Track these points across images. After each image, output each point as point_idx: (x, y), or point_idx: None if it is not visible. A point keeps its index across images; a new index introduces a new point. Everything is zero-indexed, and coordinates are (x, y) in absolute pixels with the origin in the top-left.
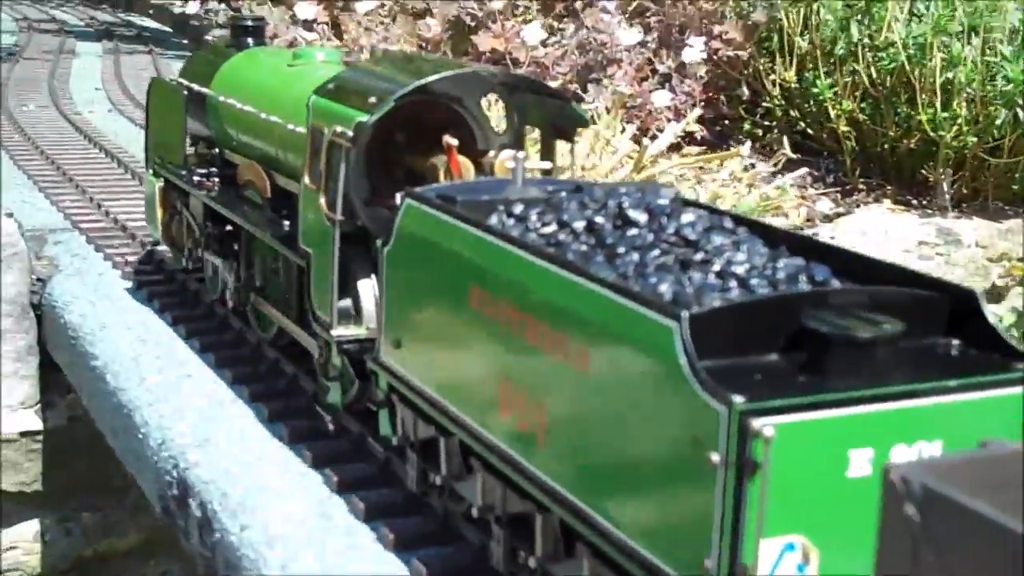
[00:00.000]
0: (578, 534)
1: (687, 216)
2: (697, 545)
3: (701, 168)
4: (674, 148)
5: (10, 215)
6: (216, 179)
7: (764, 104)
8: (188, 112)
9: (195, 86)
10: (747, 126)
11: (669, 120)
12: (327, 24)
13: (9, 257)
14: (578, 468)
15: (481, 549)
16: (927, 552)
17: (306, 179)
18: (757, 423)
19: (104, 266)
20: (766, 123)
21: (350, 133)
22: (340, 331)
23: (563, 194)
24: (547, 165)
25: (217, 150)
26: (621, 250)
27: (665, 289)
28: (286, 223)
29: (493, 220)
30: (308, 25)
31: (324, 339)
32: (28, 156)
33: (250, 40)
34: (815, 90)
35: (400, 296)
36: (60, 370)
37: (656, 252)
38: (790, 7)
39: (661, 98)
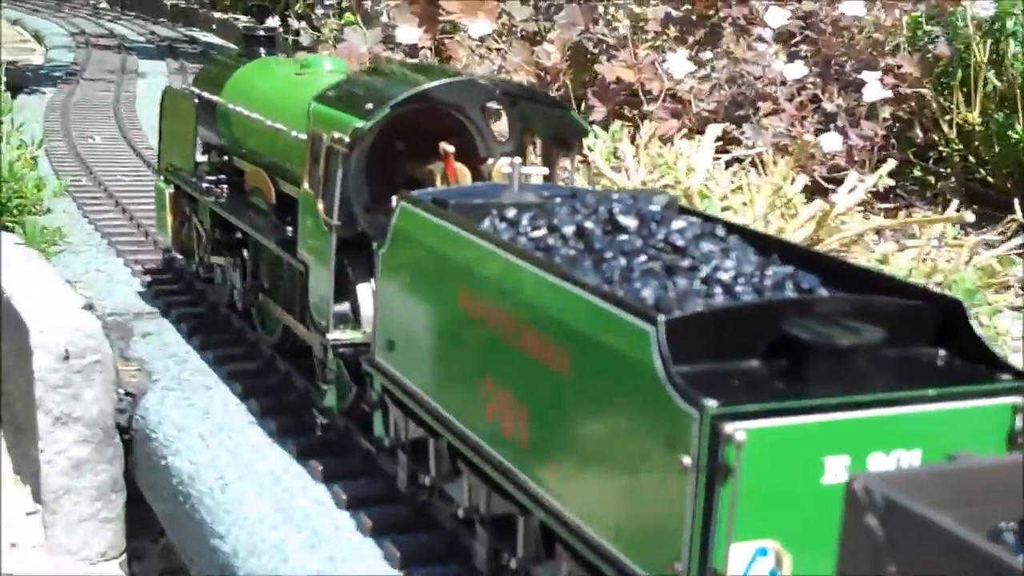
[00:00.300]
0: (557, 536)
1: (677, 223)
2: (668, 548)
3: (881, 230)
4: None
5: (89, 307)
6: (225, 186)
7: (940, 148)
8: (199, 120)
9: (206, 94)
10: (917, 172)
11: (843, 168)
12: (430, 49)
13: (89, 367)
14: (557, 470)
15: (454, 534)
16: (889, 564)
17: (305, 185)
18: (729, 427)
19: (211, 375)
20: (941, 170)
21: (347, 139)
22: (336, 335)
23: (557, 199)
24: (543, 170)
25: (227, 157)
26: (609, 255)
27: (648, 294)
28: (289, 229)
29: (485, 224)
30: (410, 50)
31: (321, 343)
32: (99, 206)
33: (262, 50)
34: (1013, 135)
35: (393, 297)
36: (149, 506)
37: (643, 258)
38: (980, 40)
39: (832, 142)
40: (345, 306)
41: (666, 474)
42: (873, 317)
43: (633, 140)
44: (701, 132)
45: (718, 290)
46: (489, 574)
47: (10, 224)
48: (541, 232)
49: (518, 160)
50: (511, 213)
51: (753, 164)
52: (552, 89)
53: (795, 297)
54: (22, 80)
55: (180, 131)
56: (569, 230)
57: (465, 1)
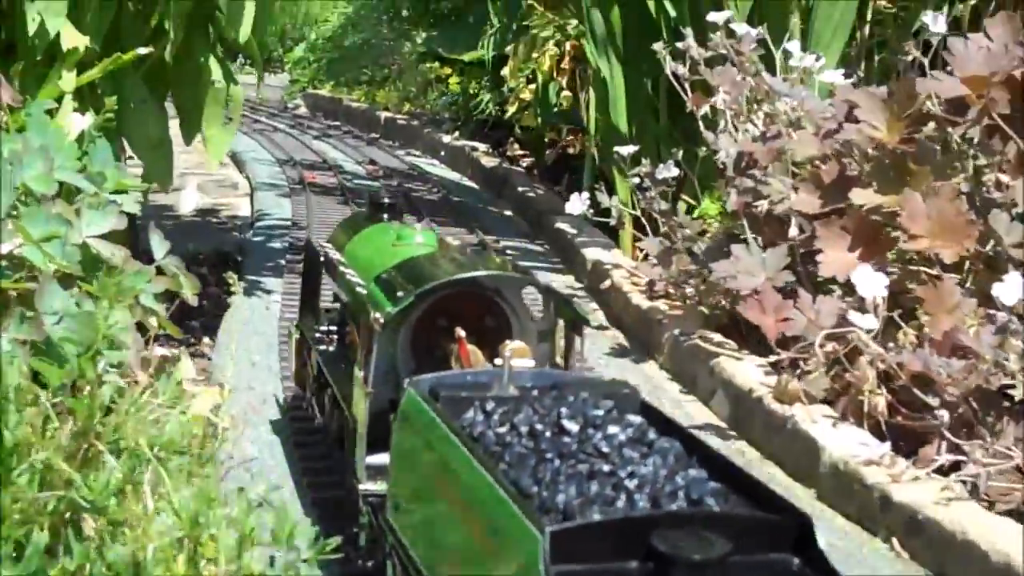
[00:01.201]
0: None
1: (613, 428)
2: None
3: None
4: None
5: None
6: (335, 337)
7: None
8: (323, 274)
9: (331, 251)
10: None
11: None
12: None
13: None
14: None
15: None
16: None
17: (357, 351)
18: None
19: None
20: None
21: (382, 320)
22: (367, 485)
23: (534, 392)
24: (529, 363)
25: (342, 311)
26: (549, 455)
27: (561, 499)
28: None
29: (468, 414)
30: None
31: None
32: None
33: (385, 215)
34: None
35: (399, 466)
36: None
37: (573, 461)
38: None
39: None
40: (384, 458)
41: None
42: (733, 529)
43: None
44: None
45: (623, 496)
46: None
47: None
48: (504, 429)
49: (508, 352)
50: (489, 406)
51: None
52: None
53: (661, 511)
54: (232, 248)
55: (311, 281)
56: (524, 429)
57: (936, 219)
